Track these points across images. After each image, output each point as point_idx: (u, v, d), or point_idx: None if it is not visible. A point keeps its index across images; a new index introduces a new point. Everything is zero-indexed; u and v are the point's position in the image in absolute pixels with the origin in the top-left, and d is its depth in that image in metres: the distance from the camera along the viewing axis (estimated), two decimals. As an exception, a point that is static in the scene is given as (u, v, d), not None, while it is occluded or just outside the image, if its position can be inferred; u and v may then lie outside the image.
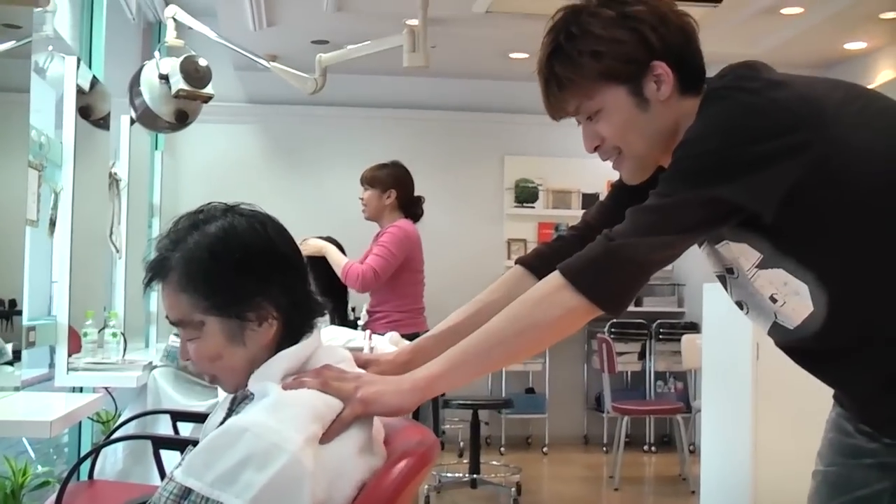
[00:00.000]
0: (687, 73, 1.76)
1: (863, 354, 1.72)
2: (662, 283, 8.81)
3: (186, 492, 1.50)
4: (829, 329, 1.71)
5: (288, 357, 1.65)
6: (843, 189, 1.64)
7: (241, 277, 1.63)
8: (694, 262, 7.47)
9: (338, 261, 4.96)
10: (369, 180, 5.20)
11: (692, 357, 6.94)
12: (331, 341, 1.80)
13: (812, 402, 5.29)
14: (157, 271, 1.67)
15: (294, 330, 1.67)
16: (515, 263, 2.10)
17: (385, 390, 1.63)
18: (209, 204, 1.71)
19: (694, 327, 8.10)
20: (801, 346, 1.81)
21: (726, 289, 1.90)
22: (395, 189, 5.12)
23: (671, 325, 8.57)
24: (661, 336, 8.55)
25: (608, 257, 1.65)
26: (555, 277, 1.68)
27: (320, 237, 5.03)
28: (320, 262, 4.76)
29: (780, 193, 1.61)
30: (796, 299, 1.72)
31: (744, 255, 1.75)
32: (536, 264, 2.02)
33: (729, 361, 5.51)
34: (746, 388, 5.25)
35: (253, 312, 1.63)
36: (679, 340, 7.71)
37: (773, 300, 1.76)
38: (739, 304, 1.88)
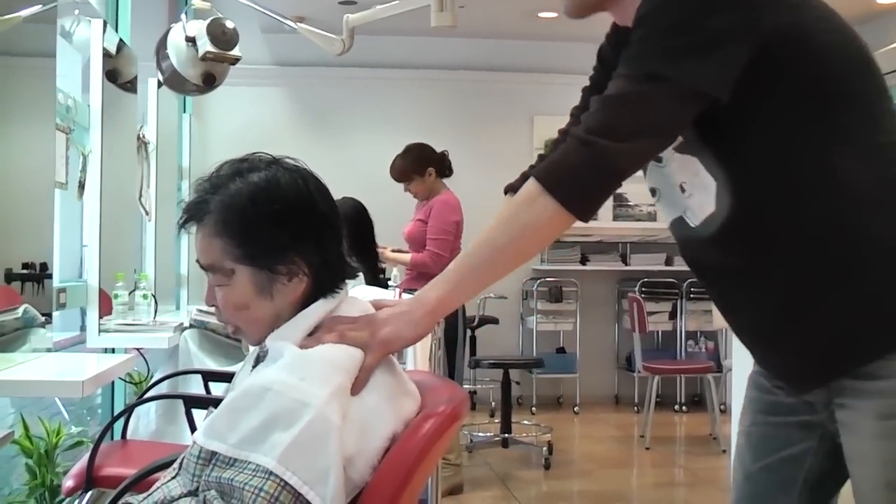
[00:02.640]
0: None
1: (757, 278, 1.70)
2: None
3: (212, 453, 1.50)
4: (724, 235, 1.69)
5: (309, 315, 1.64)
6: (786, 90, 1.61)
7: (277, 229, 1.62)
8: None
9: (405, 259, 5.41)
10: (404, 175, 5.54)
11: (722, 317, 6.91)
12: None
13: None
14: (194, 213, 1.65)
15: (323, 289, 1.66)
16: (504, 193, 2.06)
17: (400, 326, 1.63)
18: (254, 154, 1.70)
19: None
20: (700, 255, 1.79)
21: (644, 173, 1.84)
22: (429, 165, 5.45)
23: (702, 285, 8.51)
24: (692, 295, 8.51)
25: (588, 168, 1.60)
26: (532, 185, 1.63)
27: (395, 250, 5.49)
28: (356, 222, 4.79)
29: (735, 76, 1.59)
30: (702, 194, 1.69)
31: None
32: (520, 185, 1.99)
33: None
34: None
35: (284, 266, 1.62)
36: (709, 300, 7.67)
37: (682, 189, 1.73)
38: (652, 191, 1.85)
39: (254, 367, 1.68)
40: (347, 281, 1.72)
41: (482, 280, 1.67)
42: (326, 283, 1.67)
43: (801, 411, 1.78)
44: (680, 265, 8.81)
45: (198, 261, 1.67)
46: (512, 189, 1.97)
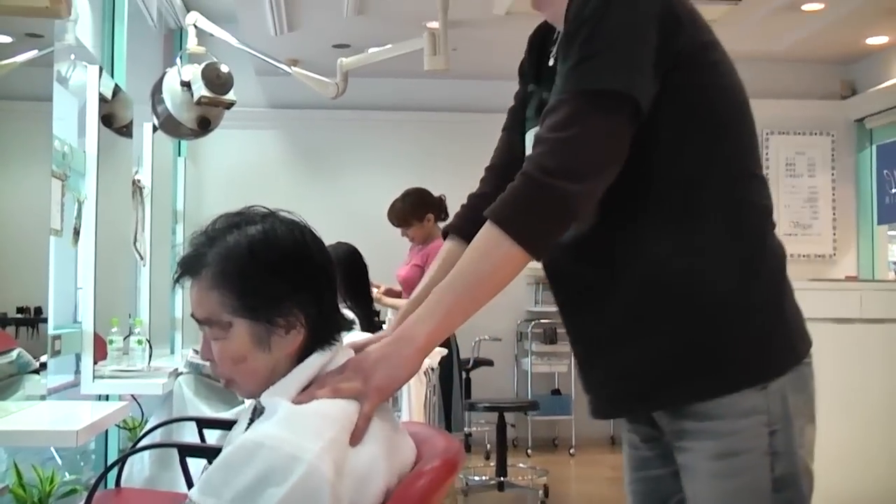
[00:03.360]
0: None
1: (600, 291, 1.73)
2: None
3: None
4: (579, 243, 1.73)
5: (305, 369, 1.63)
6: (671, 113, 1.66)
7: (275, 281, 1.61)
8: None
9: (400, 304, 5.25)
10: (403, 220, 5.56)
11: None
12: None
13: (842, 399, 5.23)
14: (190, 267, 1.64)
15: (319, 341, 1.65)
16: (443, 235, 2.08)
17: (392, 369, 1.61)
18: (250, 207, 1.69)
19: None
20: (556, 260, 1.79)
21: None
22: (428, 211, 5.47)
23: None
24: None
25: (551, 214, 1.62)
26: (494, 231, 1.63)
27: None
28: (350, 267, 4.79)
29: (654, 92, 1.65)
30: None
31: None
32: (466, 227, 1.98)
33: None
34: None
35: (282, 318, 1.60)
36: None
37: None
38: None
39: (249, 422, 1.66)
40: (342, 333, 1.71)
41: (465, 313, 1.66)
42: (323, 334, 1.65)
43: (669, 461, 1.79)
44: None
45: (193, 315, 1.66)
46: (454, 231, 2.02)
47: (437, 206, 5.66)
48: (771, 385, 1.67)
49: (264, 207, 1.69)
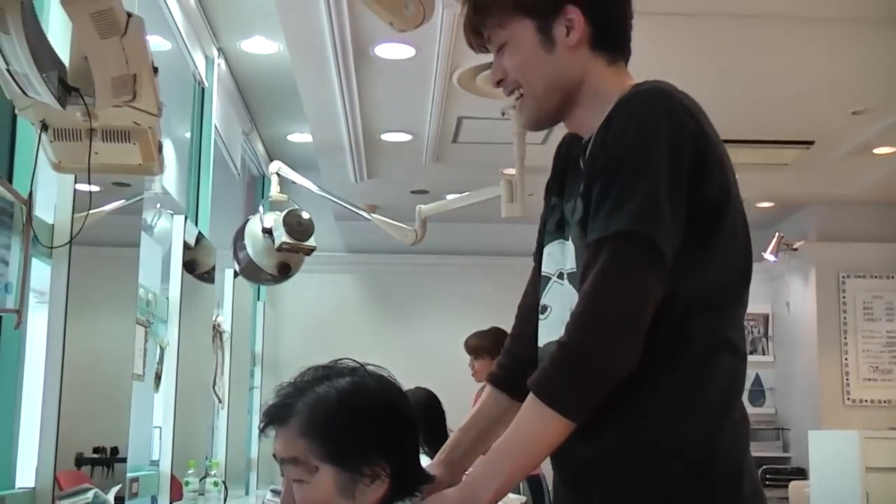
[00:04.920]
0: (603, 29, 1.77)
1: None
2: (767, 428, 8.61)
3: None
4: None
5: None
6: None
7: (364, 431, 1.64)
8: (798, 406, 7.31)
9: None
10: (475, 350, 5.49)
11: (800, 504, 6.74)
12: None
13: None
14: (278, 416, 1.66)
15: (401, 492, 1.66)
16: (488, 381, 2.05)
17: None
18: (337, 360, 1.73)
19: (801, 473, 7.86)
20: None
21: (541, 290, 1.83)
22: (499, 352, 5.42)
23: (777, 472, 8.32)
24: (767, 482, 8.30)
25: (598, 389, 1.60)
26: (538, 403, 1.61)
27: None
28: (428, 413, 4.81)
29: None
30: None
31: (573, 255, 1.73)
32: (506, 378, 1.97)
33: (839, 511, 5.36)
34: (858, 539, 5.09)
35: (368, 468, 1.62)
36: (787, 486, 7.49)
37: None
38: (543, 308, 1.82)
39: None
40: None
41: (525, 472, 1.68)
42: (405, 485, 1.67)
43: None
44: (755, 451, 8.48)
45: (274, 455, 1.68)
46: (495, 381, 1.99)
47: None
48: None
49: (353, 360, 1.73)
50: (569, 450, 1.65)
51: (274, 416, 1.67)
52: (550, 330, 1.77)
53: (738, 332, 1.72)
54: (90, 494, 3.25)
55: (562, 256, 1.78)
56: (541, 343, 1.81)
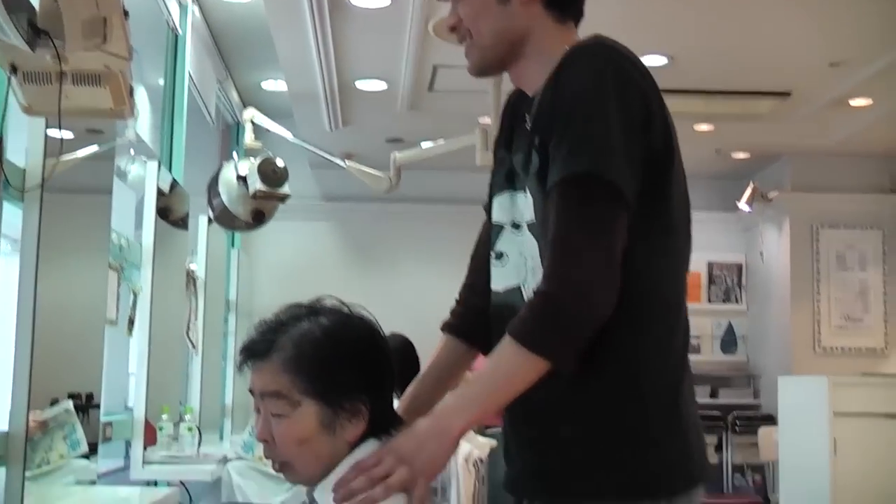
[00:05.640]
0: None
1: None
2: (738, 375, 8.71)
3: None
4: None
5: (361, 454, 1.65)
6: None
7: (350, 368, 1.65)
8: (770, 354, 7.37)
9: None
10: None
11: (769, 450, 6.84)
12: None
13: (891, 496, 5.17)
14: (258, 351, 1.66)
15: (376, 433, 1.67)
16: (442, 330, 2.06)
17: (433, 456, 1.63)
18: (319, 298, 1.73)
19: (771, 419, 7.96)
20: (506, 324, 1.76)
21: (494, 240, 1.86)
22: None
23: (748, 417, 8.43)
24: (737, 428, 8.42)
25: (567, 325, 1.63)
26: (514, 344, 1.64)
27: None
28: (403, 360, 4.84)
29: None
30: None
31: (530, 207, 1.75)
32: (461, 326, 2.00)
33: (806, 455, 5.43)
34: (825, 483, 5.16)
35: (350, 404, 1.64)
36: (756, 433, 7.60)
37: (528, 260, 1.76)
38: (499, 255, 1.85)
39: None
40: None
41: (498, 407, 1.71)
42: (381, 426, 1.68)
43: None
44: (725, 398, 8.78)
45: (251, 390, 1.68)
46: (450, 329, 2.01)
47: None
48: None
49: (336, 299, 1.73)
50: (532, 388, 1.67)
51: (255, 351, 1.67)
52: (508, 275, 1.81)
53: (678, 280, 1.78)
54: (69, 403, 3.27)
55: (512, 206, 1.82)
56: (497, 288, 1.84)
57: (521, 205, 1.78)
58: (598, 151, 1.63)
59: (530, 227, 1.76)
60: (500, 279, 1.83)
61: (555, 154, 1.66)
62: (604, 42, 1.74)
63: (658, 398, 1.70)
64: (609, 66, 1.68)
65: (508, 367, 1.65)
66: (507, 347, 1.65)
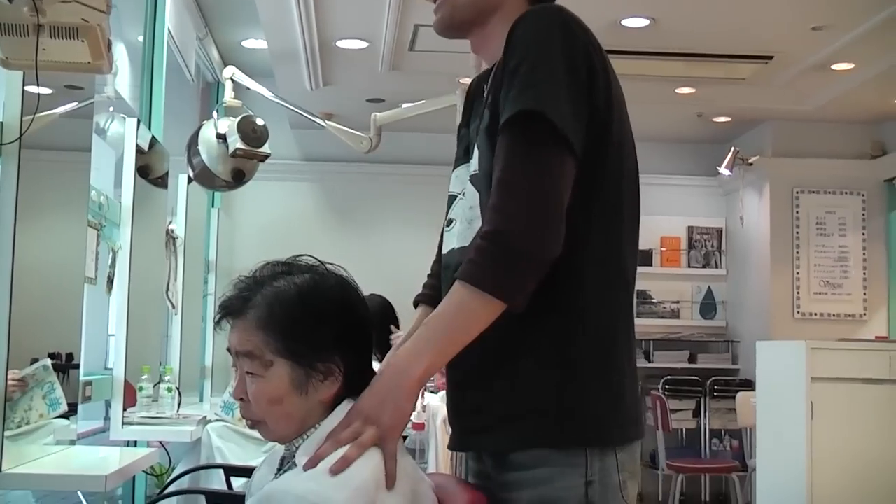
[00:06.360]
0: None
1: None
2: (717, 340, 8.75)
3: None
4: None
5: (339, 415, 1.64)
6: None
7: (322, 327, 1.63)
8: (749, 319, 7.41)
9: None
10: None
11: (747, 415, 6.87)
12: None
13: (868, 461, 5.21)
14: (235, 308, 1.66)
15: (352, 392, 1.66)
16: (414, 305, 2.13)
17: (398, 406, 1.63)
18: (297, 257, 1.72)
19: (749, 384, 8.01)
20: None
21: (448, 211, 1.90)
22: None
23: (726, 383, 8.48)
24: (715, 393, 8.47)
25: (523, 272, 1.64)
26: (466, 286, 1.65)
27: None
28: (383, 320, 4.84)
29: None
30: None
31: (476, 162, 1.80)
32: (436, 297, 1.98)
33: (783, 420, 5.46)
34: (801, 448, 5.19)
35: (323, 365, 1.63)
36: (734, 398, 7.65)
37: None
38: (449, 221, 1.90)
39: (278, 471, 1.69)
40: None
41: (457, 349, 1.68)
42: (357, 385, 1.67)
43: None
44: (704, 363, 8.84)
45: (228, 349, 1.67)
46: (425, 300, 2.09)
47: None
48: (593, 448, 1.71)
49: (313, 258, 1.72)
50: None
51: (231, 309, 1.66)
52: (453, 238, 1.86)
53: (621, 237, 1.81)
54: (48, 361, 3.25)
55: (466, 176, 1.84)
56: (444, 251, 1.90)
57: (473, 168, 1.81)
58: (545, 94, 1.67)
59: (472, 178, 1.80)
60: (449, 242, 1.88)
61: (503, 103, 1.70)
62: (553, 5, 1.81)
63: (592, 354, 1.72)
64: (555, 22, 1.73)
65: (458, 308, 1.66)
66: (457, 290, 1.66)
